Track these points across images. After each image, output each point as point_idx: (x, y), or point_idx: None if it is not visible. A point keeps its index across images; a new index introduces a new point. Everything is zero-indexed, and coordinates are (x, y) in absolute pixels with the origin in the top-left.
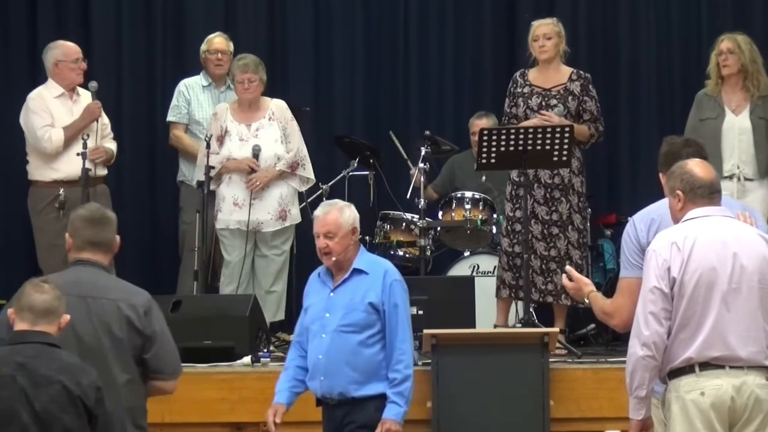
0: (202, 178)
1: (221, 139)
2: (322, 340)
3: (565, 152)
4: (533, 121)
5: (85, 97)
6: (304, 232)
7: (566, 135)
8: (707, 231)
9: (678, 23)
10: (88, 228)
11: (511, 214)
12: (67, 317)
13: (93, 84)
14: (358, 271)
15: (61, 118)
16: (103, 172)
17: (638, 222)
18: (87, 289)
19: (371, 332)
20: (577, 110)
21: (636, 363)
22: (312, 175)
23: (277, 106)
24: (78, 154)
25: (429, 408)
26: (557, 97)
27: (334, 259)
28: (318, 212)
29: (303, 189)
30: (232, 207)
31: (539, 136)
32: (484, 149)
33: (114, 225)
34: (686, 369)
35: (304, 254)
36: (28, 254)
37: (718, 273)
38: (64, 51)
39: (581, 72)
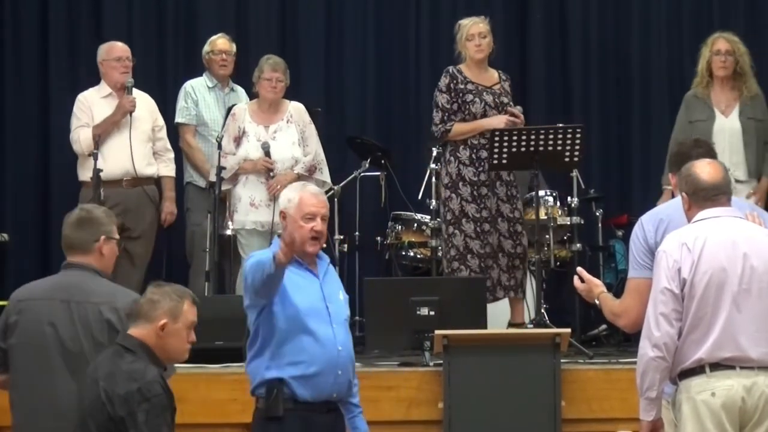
0: (214, 178)
1: (238, 140)
2: (334, 329)
3: (576, 152)
4: (503, 118)
5: (141, 97)
6: None
7: (578, 135)
8: (717, 232)
9: (689, 23)
10: (66, 229)
11: (477, 215)
12: (162, 321)
13: (129, 80)
14: (331, 262)
15: None
16: (150, 171)
17: (646, 222)
18: (72, 294)
19: None
20: None
21: (647, 364)
22: (329, 179)
23: (296, 108)
24: (90, 155)
25: (441, 408)
26: (502, 94)
27: (324, 245)
28: (310, 191)
29: None
30: (249, 207)
31: (551, 136)
32: (496, 149)
33: (98, 225)
34: (697, 370)
35: None
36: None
37: (728, 274)
38: (105, 49)
39: (504, 73)
